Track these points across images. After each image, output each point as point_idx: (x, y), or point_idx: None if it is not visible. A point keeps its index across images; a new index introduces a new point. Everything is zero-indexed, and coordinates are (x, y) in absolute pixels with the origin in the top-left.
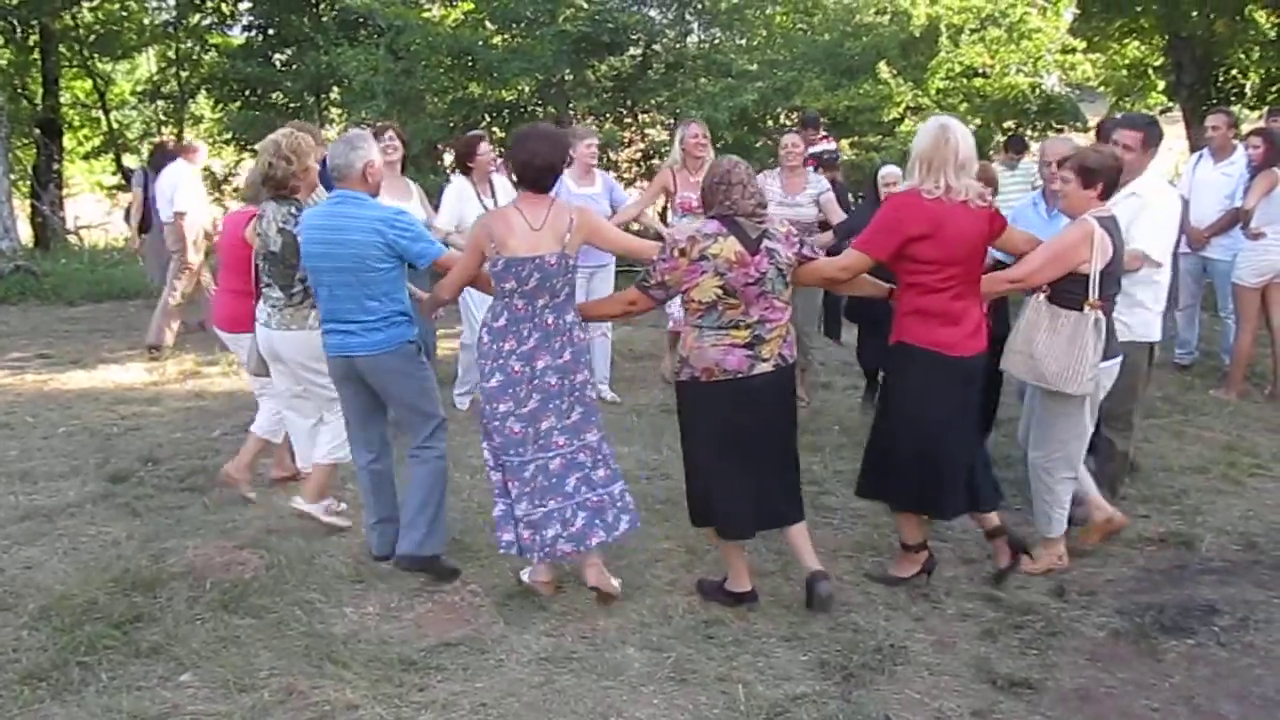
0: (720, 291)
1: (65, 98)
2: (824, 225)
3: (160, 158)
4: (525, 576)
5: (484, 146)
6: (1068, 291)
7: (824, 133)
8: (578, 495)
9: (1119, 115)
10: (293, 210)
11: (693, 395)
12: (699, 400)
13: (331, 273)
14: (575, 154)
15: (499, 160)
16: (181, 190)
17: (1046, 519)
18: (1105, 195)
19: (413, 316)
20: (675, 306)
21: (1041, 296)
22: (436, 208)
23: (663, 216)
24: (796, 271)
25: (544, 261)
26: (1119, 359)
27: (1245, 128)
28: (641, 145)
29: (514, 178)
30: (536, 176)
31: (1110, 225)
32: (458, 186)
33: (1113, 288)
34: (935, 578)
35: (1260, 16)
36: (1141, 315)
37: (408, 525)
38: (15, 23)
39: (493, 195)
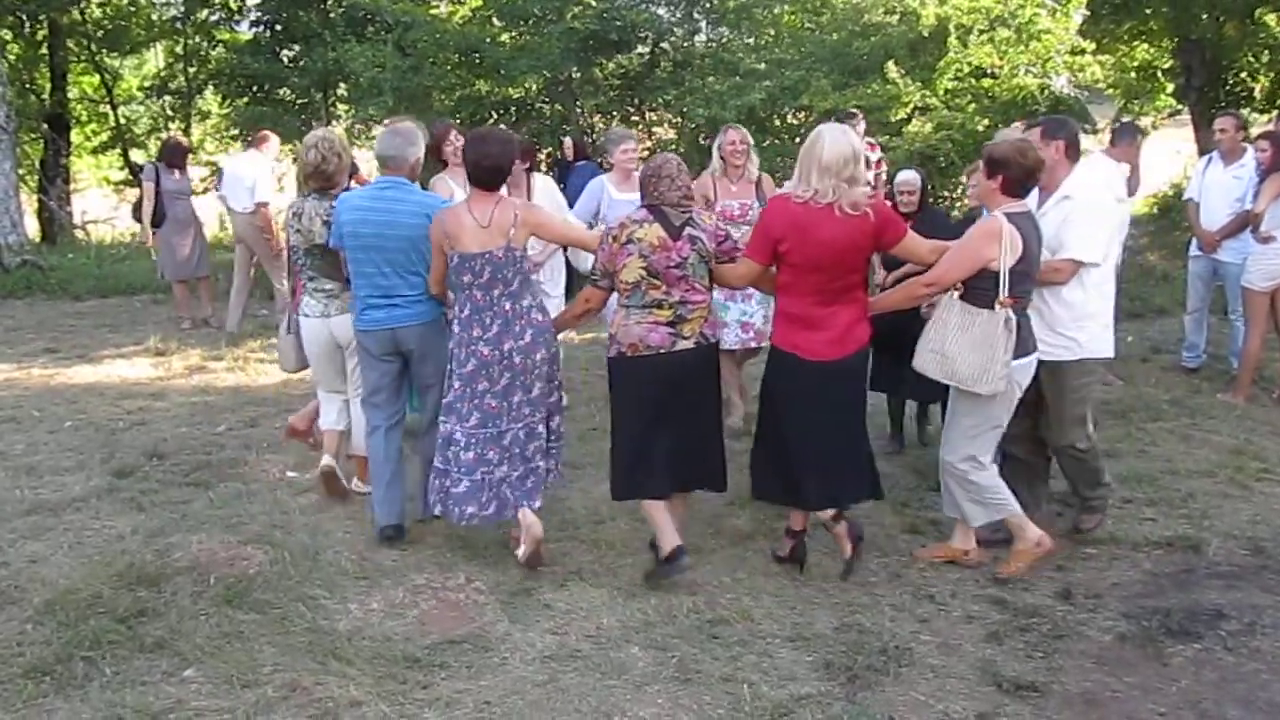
0: (644, 272)
1: (73, 93)
2: None
3: (172, 153)
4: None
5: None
6: (979, 289)
7: (869, 139)
8: (533, 460)
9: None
10: (331, 205)
11: (620, 370)
12: (625, 374)
13: (382, 251)
14: (613, 159)
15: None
16: (261, 182)
17: (980, 510)
18: (1013, 189)
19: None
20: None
21: (954, 294)
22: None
23: None
24: (717, 273)
25: (493, 256)
26: (1033, 357)
27: (1254, 131)
28: (649, 144)
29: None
30: (485, 176)
31: (1023, 221)
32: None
33: (1025, 285)
34: (941, 579)
35: (1270, 19)
36: (1091, 329)
37: (432, 494)
38: (23, 18)
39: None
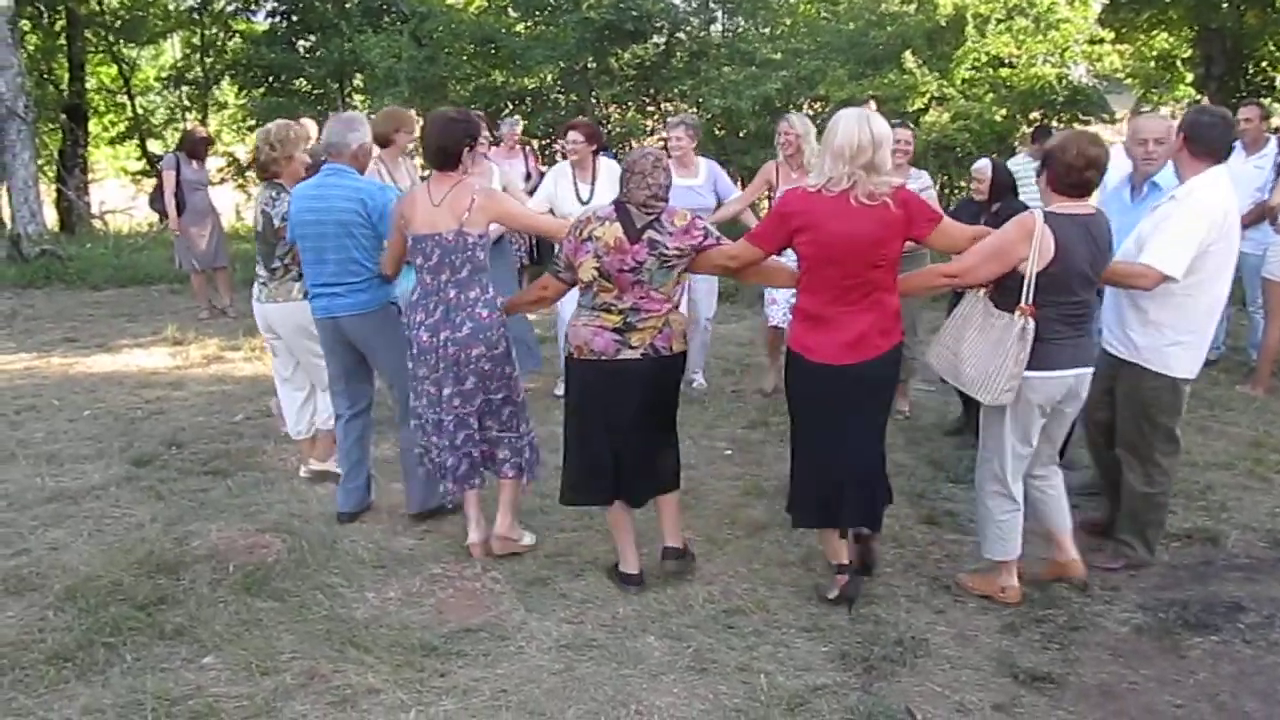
0: (596, 273)
1: (91, 83)
2: None
3: (194, 144)
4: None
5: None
6: (1007, 290)
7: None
8: (464, 448)
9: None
10: (274, 194)
11: (568, 369)
12: (572, 375)
13: (318, 237)
14: (668, 144)
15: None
16: None
17: (983, 535)
18: (1060, 187)
19: (384, 279)
20: (771, 305)
21: (982, 292)
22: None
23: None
24: (695, 260)
25: (442, 238)
26: (1065, 373)
27: (1275, 121)
28: (664, 134)
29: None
30: (432, 157)
31: (1067, 224)
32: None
33: (1057, 294)
34: (956, 570)
35: None
36: (1154, 338)
37: (411, 490)
38: (42, 8)
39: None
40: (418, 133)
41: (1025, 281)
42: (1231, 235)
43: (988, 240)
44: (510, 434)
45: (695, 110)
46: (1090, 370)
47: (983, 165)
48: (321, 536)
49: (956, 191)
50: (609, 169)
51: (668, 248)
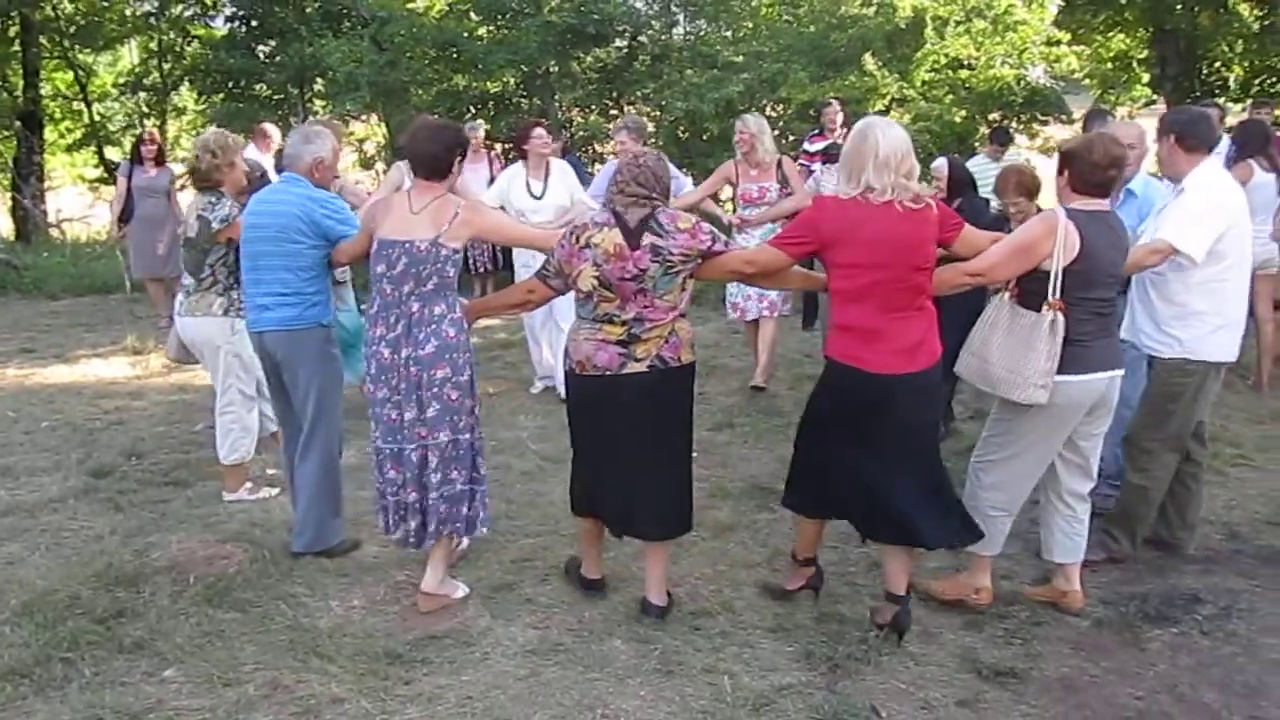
0: (596, 282)
1: (46, 90)
2: None
3: (138, 148)
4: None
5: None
6: (1032, 290)
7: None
8: (426, 489)
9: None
10: (212, 200)
11: (571, 385)
12: (575, 391)
13: (256, 242)
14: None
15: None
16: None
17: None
18: (1082, 185)
19: (325, 301)
20: (746, 300)
21: (1006, 295)
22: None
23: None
24: (701, 267)
25: (413, 246)
26: (1099, 375)
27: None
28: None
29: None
30: (416, 165)
31: (1090, 221)
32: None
33: (1084, 290)
34: (920, 569)
35: (1244, 9)
36: (1197, 328)
37: (299, 527)
38: None
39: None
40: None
41: (1052, 277)
42: (1244, 220)
43: (1010, 237)
44: (476, 486)
45: (659, 113)
46: (1120, 373)
47: (939, 164)
48: (284, 546)
49: None
50: (560, 168)
51: (672, 252)
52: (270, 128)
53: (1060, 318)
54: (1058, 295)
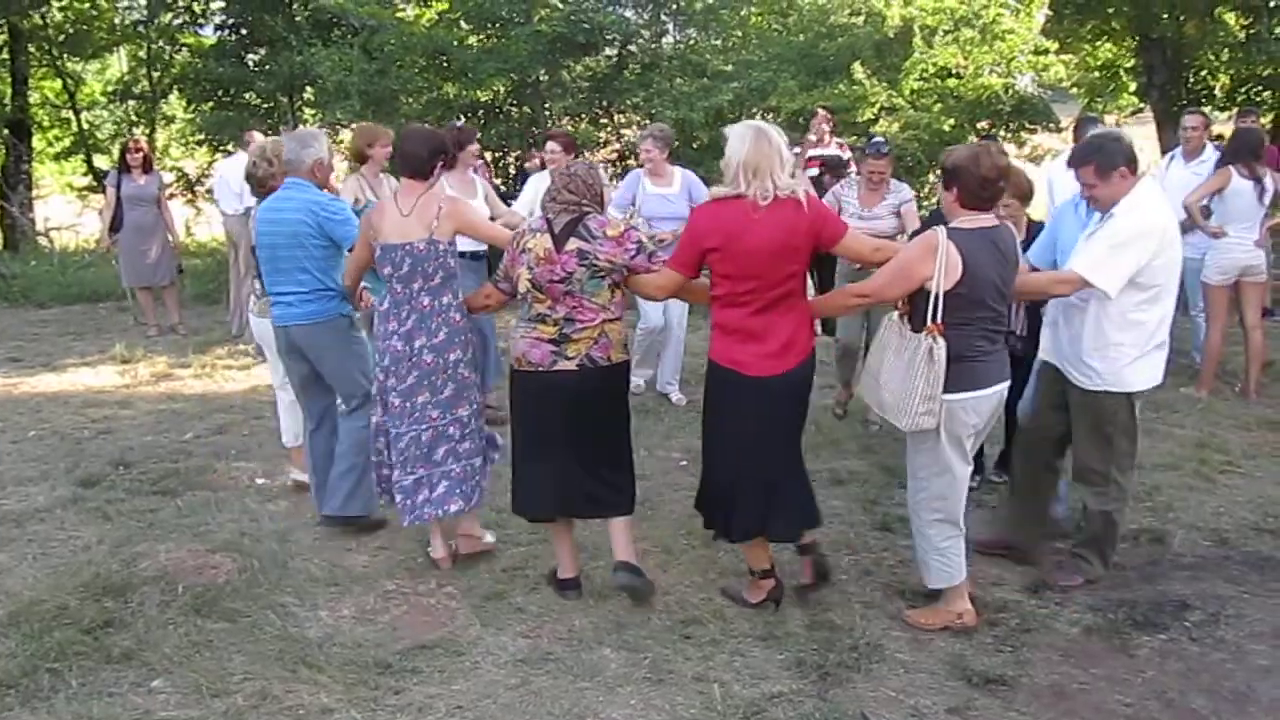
0: (530, 284)
1: (35, 98)
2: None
3: (123, 157)
4: (430, 552)
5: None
6: (919, 310)
7: (838, 139)
8: (444, 464)
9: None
10: None
11: (511, 382)
12: (514, 387)
13: (272, 248)
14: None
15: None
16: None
17: (924, 566)
18: (970, 200)
19: (342, 294)
20: None
21: (896, 314)
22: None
23: None
24: (627, 280)
25: (413, 248)
26: (990, 390)
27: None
28: (617, 146)
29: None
30: (405, 167)
31: (974, 239)
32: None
33: (969, 311)
34: (911, 576)
35: (1230, 18)
36: (1113, 361)
37: (331, 489)
38: None
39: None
40: (392, 146)
41: (931, 300)
42: (1175, 246)
43: (895, 259)
44: (478, 459)
45: (649, 121)
46: (1007, 383)
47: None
48: (273, 555)
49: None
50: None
51: (598, 258)
52: (258, 134)
53: (940, 343)
54: (938, 319)
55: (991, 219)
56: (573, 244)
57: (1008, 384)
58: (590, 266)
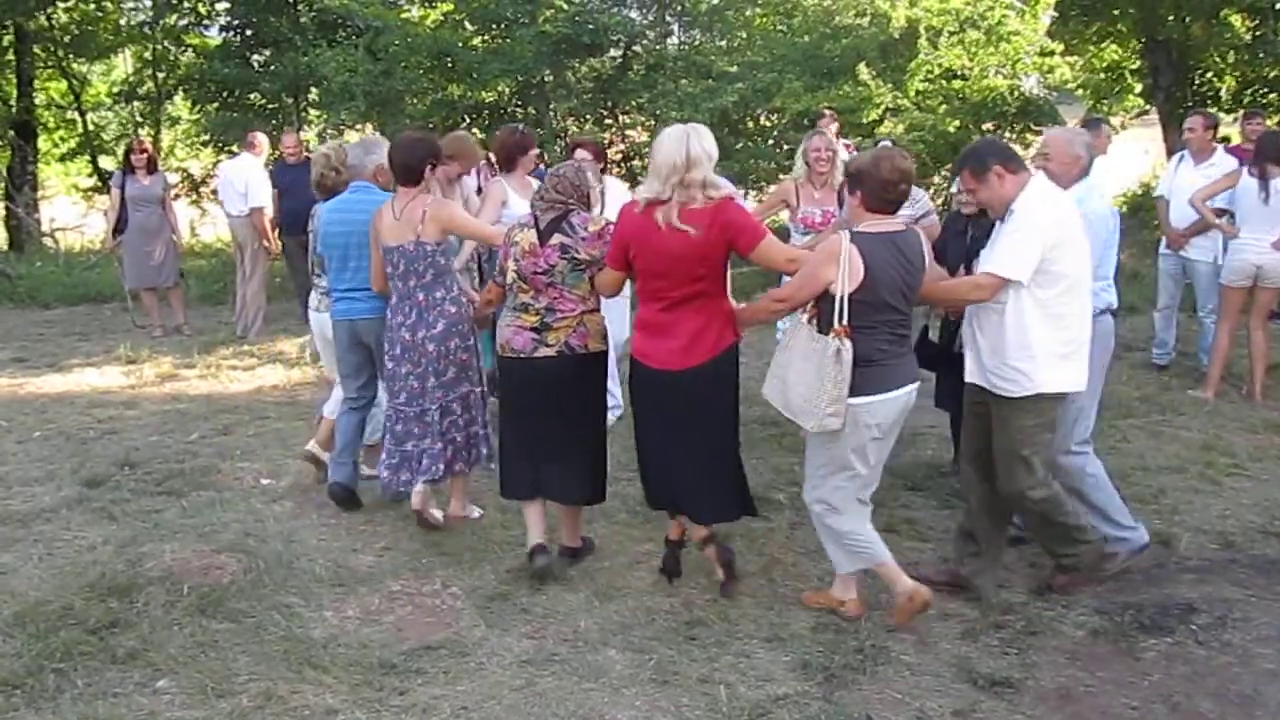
0: (515, 275)
1: (40, 99)
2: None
3: (128, 158)
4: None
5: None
6: (826, 313)
7: (844, 140)
8: (449, 433)
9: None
10: None
11: (498, 365)
12: (501, 370)
13: (344, 247)
14: None
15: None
16: (254, 185)
17: (833, 555)
18: (873, 204)
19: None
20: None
21: (804, 316)
22: None
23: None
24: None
25: (405, 249)
26: (897, 392)
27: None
28: (622, 147)
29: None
30: (396, 174)
31: (877, 243)
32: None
33: (874, 315)
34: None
35: (1236, 20)
36: (1041, 357)
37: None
38: None
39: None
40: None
41: (836, 304)
42: (1077, 234)
43: (804, 264)
44: (477, 426)
45: (653, 123)
46: (917, 385)
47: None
48: (278, 556)
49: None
50: (614, 187)
51: (579, 252)
52: (260, 136)
53: (847, 345)
54: (844, 321)
55: (898, 223)
56: (556, 239)
57: (916, 385)
58: (571, 260)
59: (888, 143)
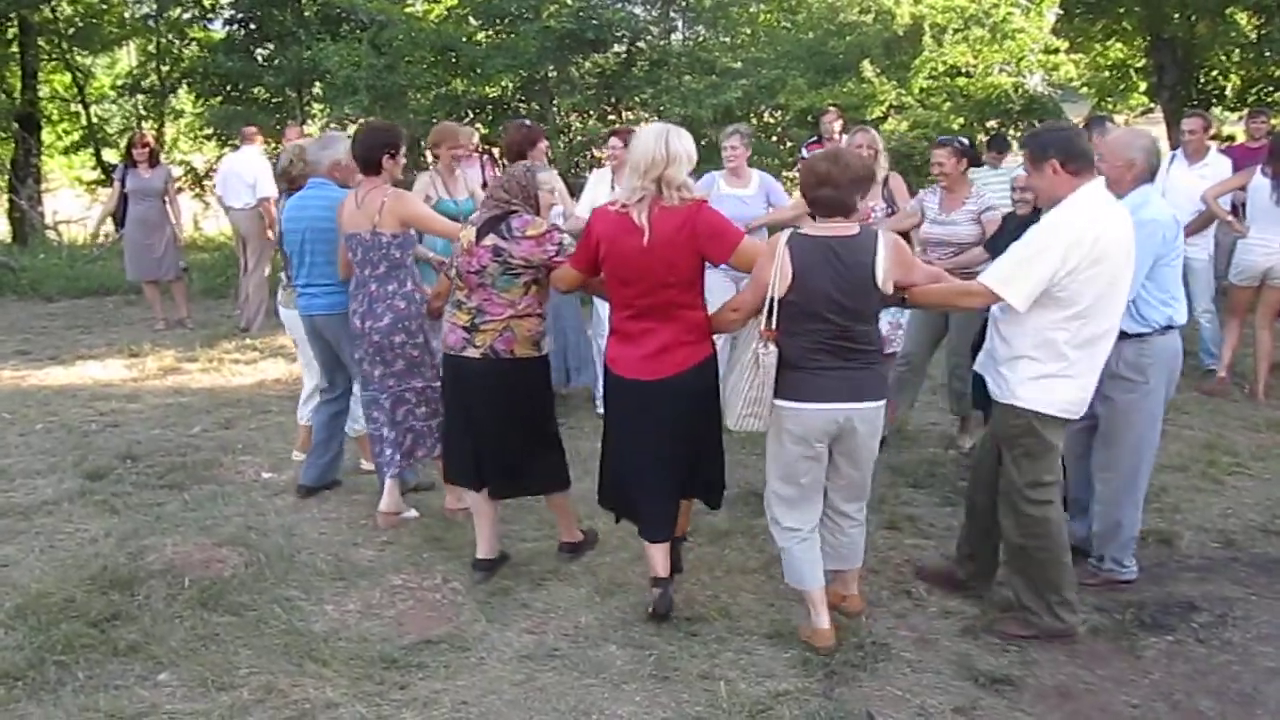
0: (455, 272)
1: (44, 91)
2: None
3: (129, 150)
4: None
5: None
6: (767, 315)
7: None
8: (406, 422)
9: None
10: None
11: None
12: (442, 366)
13: (299, 243)
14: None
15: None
16: (263, 177)
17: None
18: (813, 207)
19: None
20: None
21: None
22: None
23: None
24: (550, 276)
25: (361, 237)
26: (829, 406)
27: (1226, 129)
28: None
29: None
30: (357, 164)
31: (813, 246)
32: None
33: (803, 321)
34: (917, 576)
35: (1241, 18)
36: (1022, 371)
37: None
38: None
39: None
40: (466, 144)
41: (765, 305)
42: (1105, 262)
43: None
44: (425, 421)
45: (657, 118)
46: (870, 406)
47: (1022, 174)
48: (279, 549)
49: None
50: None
51: (513, 255)
52: (253, 129)
53: (770, 350)
54: (771, 325)
55: (849, 228)
56: (490, 239)
57: (848, 408)
58: (504, 263)
59: (871, 133)
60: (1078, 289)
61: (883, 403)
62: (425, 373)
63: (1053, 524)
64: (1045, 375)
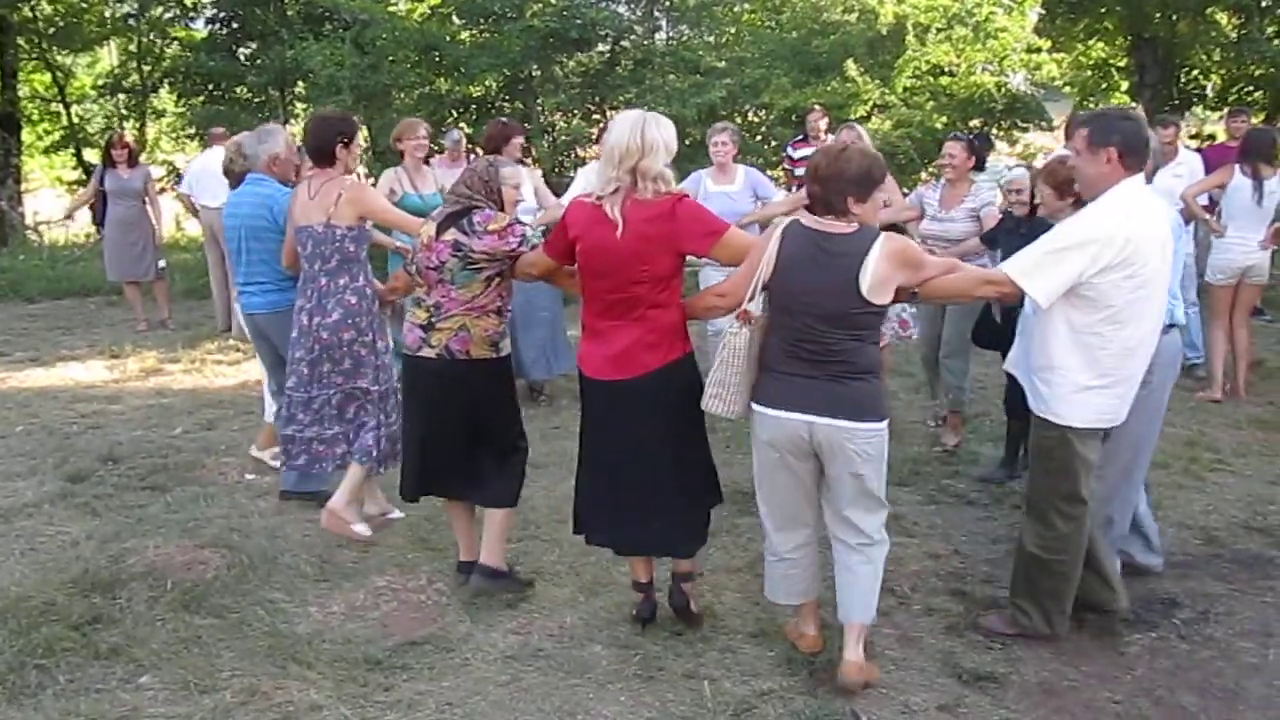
0: (415, 268)
1: (24, 91)
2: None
3: (108, 150)
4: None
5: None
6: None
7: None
8: (356, 420)
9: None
10: None
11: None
12: (402, 366)
13: (238, 240)
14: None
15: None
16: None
17: None
18: (811, 202)
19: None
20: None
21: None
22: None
23: None
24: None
25: (313, 230)
26: (765, 410)
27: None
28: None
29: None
30: (311, 155)
31: (794, 238)
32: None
33: (778, 314)
34: (901, 573)
35: (1222, 18)
36: (1059, 386)
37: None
38: None
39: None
40: (424, 138)
41: (751, 287)
42: (1137, 263)
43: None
44: (371, 420)
45: None
46: (843, 425)
47: (1020, 175)
48: (263, 551)
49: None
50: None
51: (474, 250)
52: (221, 130)
53: (743, 331)
54: (757, 309)
55: (847, 226)
56: (450, 234)
57: (813, 420)
58: (464, 258)
59: (857, 129)
60: (1107, 289)
61: (868, 425)
62: (369, 373)
63: (1078, 540)
64: (1084, 388)
